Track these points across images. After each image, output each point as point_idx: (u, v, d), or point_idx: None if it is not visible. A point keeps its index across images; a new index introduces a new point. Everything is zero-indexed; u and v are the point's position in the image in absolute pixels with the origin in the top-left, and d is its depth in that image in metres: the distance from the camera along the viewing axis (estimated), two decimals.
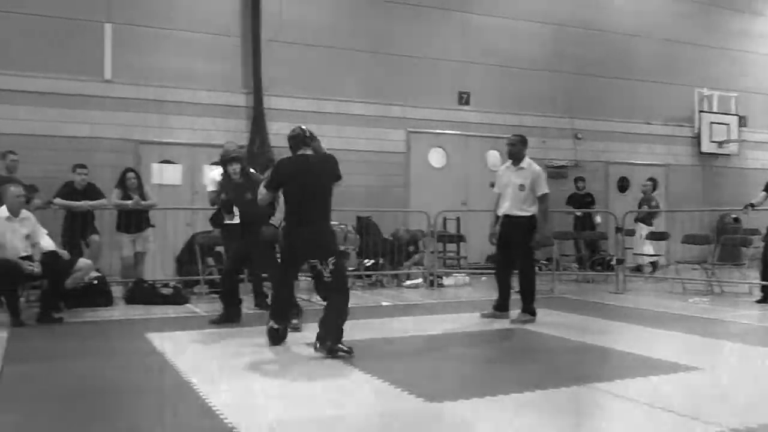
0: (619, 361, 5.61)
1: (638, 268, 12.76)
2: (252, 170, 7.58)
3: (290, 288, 6.11)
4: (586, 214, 13.25)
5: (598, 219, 13.46)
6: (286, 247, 5.90)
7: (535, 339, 6.61)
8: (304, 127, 5.94)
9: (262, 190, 5.99)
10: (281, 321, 5.98)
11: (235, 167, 7.16)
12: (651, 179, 13.22)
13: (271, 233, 6.82)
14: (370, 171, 12.66)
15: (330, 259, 5.58)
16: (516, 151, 7.54)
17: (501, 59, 13.85)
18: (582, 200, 13.53)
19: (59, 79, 10.67)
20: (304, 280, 9.02)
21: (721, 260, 11.37)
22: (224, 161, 7.33)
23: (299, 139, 5.81)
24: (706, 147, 15.75)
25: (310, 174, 5.72)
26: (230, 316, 7.19)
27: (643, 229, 12.56)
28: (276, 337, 5.95)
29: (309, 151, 5.83)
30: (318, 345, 5.50)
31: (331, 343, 5.41)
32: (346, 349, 5.41)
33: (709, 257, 11.03)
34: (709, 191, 15.76)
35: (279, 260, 6.45)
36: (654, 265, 12.60)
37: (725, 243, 11.80)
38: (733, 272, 11.03)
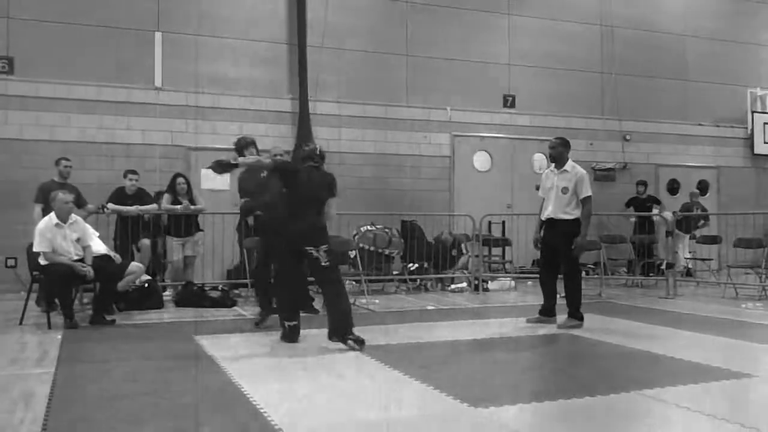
0: (668, 367, 5.51)
1: (689, 273, 12.50)
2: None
3: (296, 284, 6.46)
4: (645, 217, 12.97)
5: (668, 215, 13.09)
6: (286, 239, 6.27)
7: (582, 344, 6.53)
8: (318, 147, 6.62)
9: (267, 161, 6.53)
10: (292, 318, 6.29)
11: (252, 151, 7.42)
12: (701, 182, 12.91)
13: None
14: (414, 175, 12.70)
15: (323, 246, 6.07)
16: (557, 154, 7.47)
17: (546, 61, 13.74)
18: (643, 204, 13.27)
19: (111, 87, 10.97)
20: None
21: None
22: (240, 147, 7.48)
23: (310, 155, 6.48)
24: (760, 148, 15.35)
25: (317, 184, 6.32)
26: (268, 313, 7.25)
27: (680, 235, 12.33)
28: (290, 335, 6.26)
29: (315, 165, 6.44)
30: (334, 339, 5.98)
31: (342, 333, 5.94)
32: (358, 339, 5.91)
33: (762, 261, 10.74)
34: (762, 193, 15.35)
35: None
36: (688, 269, 12.36)
37: None
38: None
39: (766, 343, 6.45)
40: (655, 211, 13.00)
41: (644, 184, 13.55)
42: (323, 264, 6.07)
